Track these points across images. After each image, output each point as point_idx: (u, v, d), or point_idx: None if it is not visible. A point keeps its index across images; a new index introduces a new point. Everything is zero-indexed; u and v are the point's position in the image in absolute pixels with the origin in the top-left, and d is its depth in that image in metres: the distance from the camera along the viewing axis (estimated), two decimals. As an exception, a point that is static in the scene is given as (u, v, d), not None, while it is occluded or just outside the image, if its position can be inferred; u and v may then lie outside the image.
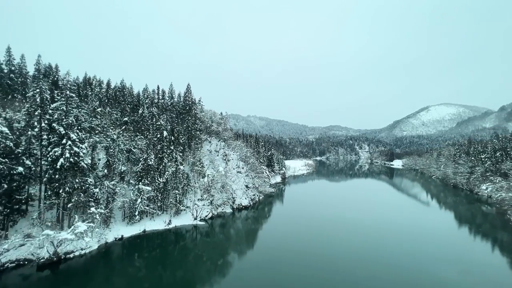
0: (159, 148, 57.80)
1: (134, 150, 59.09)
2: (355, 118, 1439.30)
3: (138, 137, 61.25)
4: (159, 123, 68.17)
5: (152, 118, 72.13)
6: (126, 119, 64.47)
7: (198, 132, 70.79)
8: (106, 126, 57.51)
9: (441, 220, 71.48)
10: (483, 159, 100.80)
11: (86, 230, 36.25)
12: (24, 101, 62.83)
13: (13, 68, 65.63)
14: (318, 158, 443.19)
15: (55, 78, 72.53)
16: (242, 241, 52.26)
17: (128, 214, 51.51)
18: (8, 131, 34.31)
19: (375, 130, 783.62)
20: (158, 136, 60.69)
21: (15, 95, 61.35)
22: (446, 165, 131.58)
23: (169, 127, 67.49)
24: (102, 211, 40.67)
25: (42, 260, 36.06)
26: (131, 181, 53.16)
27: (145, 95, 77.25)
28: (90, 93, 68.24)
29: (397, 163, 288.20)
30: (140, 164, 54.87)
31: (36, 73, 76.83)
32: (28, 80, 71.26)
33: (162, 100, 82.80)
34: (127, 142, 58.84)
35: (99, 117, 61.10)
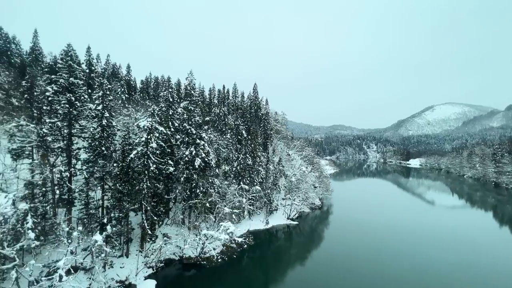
0: (251, 148, 57.80)
1: (223, 150, 59.02)
2: (357, 117, 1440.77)
3: (224, 136, 61.22)
4: (237, 122, 68.22)
5: (224, 118, 72.12)
6: (207, 118, 64.37)
7: (271, 132, 70.89)
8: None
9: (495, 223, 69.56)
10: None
11: (235, 229, 36.22)
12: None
13: (92, 68, 65.13)
14: (328, 157, 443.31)
15: (127, 78, 72.23)
16: (323, 240, 51.62)
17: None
18: (164, 130, 34.22)
19: (380, 130, 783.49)
20: (244, 136, 60.69)
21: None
22: (485, 164, 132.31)
23: (241, 126, 67.56)
24: (236, 211, 40.65)
25: (188, 259, 36.31)
26: (234, 180, 53.14)
27: (212, 95, 77.11)
28: (161, 94, 68.08)
29: (414, 163, 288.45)
30: (236, 164, 54.92)
31: (105, 72, 76.68)
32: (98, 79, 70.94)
33: (228, 100, 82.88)
34: (216, 141, 58.81)
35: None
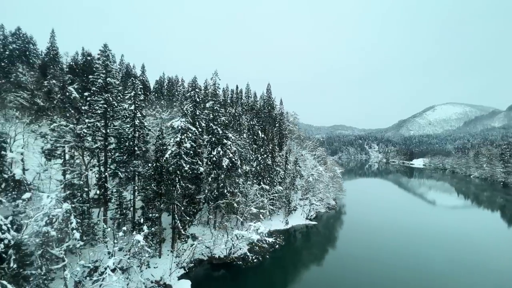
0: (270, 148, 57.86)
1: (241, 150, 58.98)
2: (358, 117, 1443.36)
3: (241, 136, 61.18)
4: (252, 122, 68.27)
5: (238, 118, 72.10)
6: (223, 118, 64.31)
7: (285, 132, 70.97)
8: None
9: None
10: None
11: (264, 229, 36.29)
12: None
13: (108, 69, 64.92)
14: (331, 157, 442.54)
15: (142, 79, 72.20)
16: (339, 241, 51.17)
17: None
18: (196, 131, 34.22)
19: (381, 130, 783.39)
20: (260, 136, 60.71)
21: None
22: (493, 164, 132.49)
23: (257, 126, 67.56)
24: (263, 211, 40.68)
25: (219, 259, 36.38)
26: (254, 181, 53.18)
27: (226, 95, 77.11)
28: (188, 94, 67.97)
29: (417, 163, 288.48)
30: (255, 164, 54.95)
31: (119, 72, 76.61)
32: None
33: (241, 100, 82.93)
34: (235, 141, 58.82)
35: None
